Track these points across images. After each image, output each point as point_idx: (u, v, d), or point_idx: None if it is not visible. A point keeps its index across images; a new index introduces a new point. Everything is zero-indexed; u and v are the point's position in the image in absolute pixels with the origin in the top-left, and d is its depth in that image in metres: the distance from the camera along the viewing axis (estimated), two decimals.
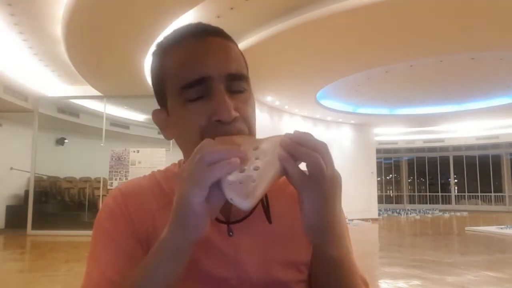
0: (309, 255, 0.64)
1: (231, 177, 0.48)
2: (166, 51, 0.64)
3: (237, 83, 0.62)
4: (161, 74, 0.65)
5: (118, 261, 0.59)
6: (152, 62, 0.67)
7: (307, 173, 0.50)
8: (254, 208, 0.62)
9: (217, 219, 0.62)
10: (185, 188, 0.49)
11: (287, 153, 0.50)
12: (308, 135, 0.51)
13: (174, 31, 0.65)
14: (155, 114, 0.68)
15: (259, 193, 0.47)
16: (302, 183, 0.50)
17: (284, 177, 0.62)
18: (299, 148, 0.50)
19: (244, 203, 0.46)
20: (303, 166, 0.51)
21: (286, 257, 0.64)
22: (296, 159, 0.50)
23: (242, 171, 0.48)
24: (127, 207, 0.64)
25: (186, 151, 0.63)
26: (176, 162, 0.73)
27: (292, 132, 0.52)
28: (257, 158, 0.50)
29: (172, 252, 0.52)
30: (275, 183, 0.50)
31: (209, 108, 0.59)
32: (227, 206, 0.61)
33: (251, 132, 0.62)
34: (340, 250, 0.55)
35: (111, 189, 9.91)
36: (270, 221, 0.63)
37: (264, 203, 0.64)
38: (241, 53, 0.67)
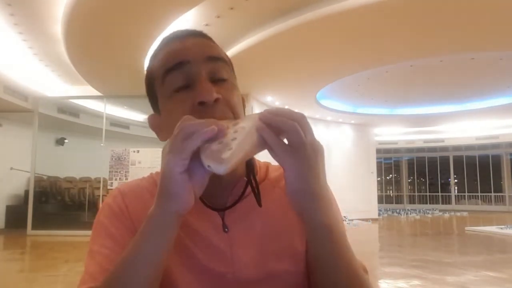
0: (304, 245, 0.64)
1: (209, 147, 0.50)
2: (153, 57, 0.69)
3: (218, 66, 0.64)
4: (150, 77, 0.69)
5: (115, 253, 0.60)
6: (146, 72, 0.71)
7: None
8: (243, 193, 0.65)
9: (211, 207, 0.63)
10: (166, 159, 0.51)
11: (264, 123, 0.51)
12: (285, 109, 0.52)
13: (162, 39, 0.69)
14: (150, 119, 0.71)
15: (235, 159, 0.48)
16: (282, 152, 0.51)
17: (274, 175, 0.60)
18: (276, 118, 0.51)
19: (219, 168, 0.48)
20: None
21: (281, 248, 0.65)
22: (274, 130, 0.51)
23: (220, 142, 0.50)
24: (126, 206, 0.66)
25: None
26: None
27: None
28: (235, 132, 0.52)
29: (159, 225, 0.53)
30: (254, 154, 0.52)
31: (192, 94, 0.61)
32: (222, 198, 0.64)
33: (236, 117, 0.63)
34: (328, 216, 0.55)
35: (111, 189, 9.91)
36: (260, 204, 0.64)
37: (254, 187, 0.65)
38: (224, 53, 0.69)
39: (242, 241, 0.64)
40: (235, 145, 0.49)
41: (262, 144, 0.51)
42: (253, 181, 0.66)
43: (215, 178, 0.54)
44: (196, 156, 0.50)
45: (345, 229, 0.68)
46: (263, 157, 0.67)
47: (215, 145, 0.50)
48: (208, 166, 0.49)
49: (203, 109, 0.60)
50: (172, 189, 0.51)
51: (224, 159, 0.48)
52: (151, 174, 0.72)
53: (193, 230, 0.64)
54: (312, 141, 0.52)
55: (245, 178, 0.66)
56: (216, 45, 0.68)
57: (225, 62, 0.66)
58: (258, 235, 0.65)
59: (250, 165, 0.66)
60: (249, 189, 0.66)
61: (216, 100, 0.60)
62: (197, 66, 0.62)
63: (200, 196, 0.60)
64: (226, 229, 0.64)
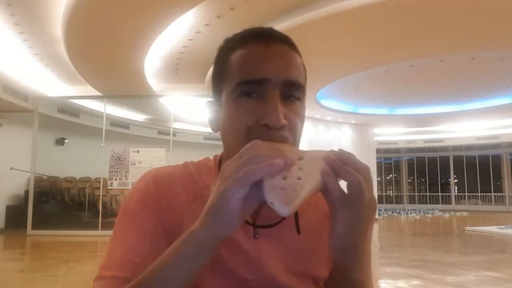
0: (327, 273, 0.65)
1: (273, 182, 0.48)
2: (232, 47, 0.65)
3: (292, 90, 0.62)
4: (223, 67, 0.66)
5: (142, 244, 0.60)
6: (217, 55, 0.68)
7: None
8: (283, 217, 0.63)
9: (247, 222, 0.63)
10: (226, 184, 0.49)
11: (330, 168, 0.50)
12: (352, 156, 0.51)
13: (243, 31, 0.67)
14: (209, 104, 0.69)
15: (298, 202, 0.47)
16: (340, 201, 0.50)
17: (318, 194, 0.62)
18: (342, 166, 0.49)
19: (284, 210, 0.47)
20: (343, 185, 0.51)
21: (307, 270, 0.65)
22: (338, 176, 0.50)
23: (285, 178, 0.49)
24: (158, 194, 0.64)
25: (228, 146, 0.64)
26: (211, 157, 0.73)
27: (337, 149, 0.53)
28: (300, 168, 0.51)
29: (200, 245, 0.52)
30: (314, 195, 0.50)
31: (259, 110, 0.59)
32: (257, 209, 0.62)
33: (295, 143, 0.62)
34: (365, 274, 0.56)
35: (111, 189, 9.92)
36: (299, 232, 0.63)
37: (295, 214, 0.64)
38: (303, 65, 0.68)
39: (270, 250, 0.64)
40: (299, 186, 0.48)
41: (323, 187, 0.50)
42: None
43: None
44: (254, 184, 0.49)
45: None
46: None
47: (279, 181, 0.49)
48: (271, 203, 0.48)
49: (265, 129, 0.59)
50: (225, 217, 0.49)
51: (289, 202, 0.47)
52: (186, 163, 0.71)
53: None
54: (371, 197, 0.51)
55: None
56: (297, 58, 0.66)
57: (302, 87, 0.64)
58: (287, 248, 0.65)
59: None
60: None
61: (282, 126, 0.59)
62: (275, 85, 0.60)
63: None
64: (256, 236, 0.63)
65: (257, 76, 0.60)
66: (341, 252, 0.53)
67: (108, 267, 0.59)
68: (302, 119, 0.65)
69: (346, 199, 0.50)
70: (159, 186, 0.65)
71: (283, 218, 0.63)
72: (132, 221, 0.62)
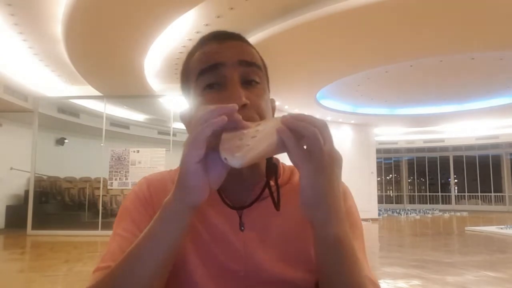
0: None
1: (229, 142, 0.51)
2: (192, 54, 0.71)
3: (250, 70, 0.66)
4: (186, 72, 0.71)
5: (135, 236, 0.62)
6: (182, 67, 0.74)
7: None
8: (261, 194, 0.65)
9: (228, 205, 0.64)
10: (184, 151, 0.52)
11: (286, 126, 0.51)
12: (308, 115, 0.53)
13: (201, 37, 0.72)
14: (182, 112, 0.72)
15: (251, 155, 0.49)
16: (299, 157, 0.51)
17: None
18: (297, 122, 0.51)
19: (236, 161, 0.49)
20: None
21: (296, 255, 0.65)
22: (295, 134, 0.51)
23: (241, 139, 0.51)
24: (150, 193, 0.69)
25: None
26: None
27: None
28: (256, 130, 0.53)
29: (173, 213, 0.55)
30: (272, 154, 0.52)
31: (222, 96, 0.63)
32: (242, 197, 0.65)
33: None
34: (339, 228, 0.54)
35: (111, 189, 9.93)
36: (277, 208, 0.63)
37: (271, 190, 0.65)
38: (260, 57, 0.71)
39: (257, 242, 0.65)
40: (254, 142, 0.50)
41: (281, 146, 0.51)
42: (274, 183, 0.66)
43: (236, 176, 0.55)
44: (216, 150, 0.52)
45: (364, 246, 0.69)
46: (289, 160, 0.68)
47: (235, 140, 0.51)
48: (225, 158, 0.50)
49: None
50: (187, 181, 0.52)
51: (241, 153, 0.49)
52: (178, 167, 0.74)
53: (212, 225, 0.65)
54: (331, 150, 0.52)
55: (265, 179, 0.66)
56: (252, 49, 0.70)
57: (259, 67, 0.68)
58: (274, 238, 0.65)
59: (271, 167, 0.66)
60: (273, 190, 0.66)
61: (244, 105, 0.61)
62: (231, 68, 0.64)
63: (220, 193, 0.63)
64: (243, 228, 0.65)
65: (212, 61, 0.65)
66: (310, 206, 0.53)
67: (104, 259, 0.63)
68: (266, 100, 0.67)
69: (305, 154, 0.51)
70: (152, 186, 0.71)
71: (260, 196, 0.65)
72: (127, 219, 0.67)
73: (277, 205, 0.64)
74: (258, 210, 0.65)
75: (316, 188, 0.52)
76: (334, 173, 0.53)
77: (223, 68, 0.64)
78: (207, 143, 0.51)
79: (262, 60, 0.71)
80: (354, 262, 0.56)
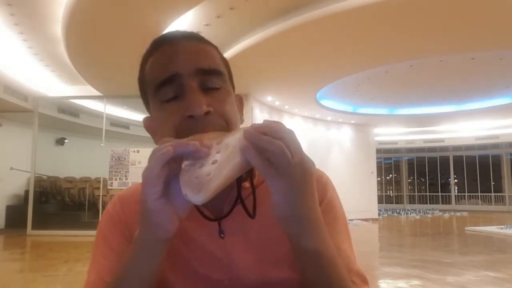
0: None
1: (188, 174, 0.48)
2: (146, 59, 0.66)
3: (210, 78, 0.61)
4: (142, 81, 0.67)
5: (112, 263, 0.62)
6: (138, 73, 0.69)
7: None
8: (236, 203, 0.62)
9: (206, 217, 0.62)
10: (142, 188, 0.50)
11: (250, 143, 0.47)
12: (273, 124, 0.48)
13: (153, 41, 0.66)
14: (145, 121, 0.69)
15: (214, 186, 0.46)
16: (267, 174, 0.48)
17: None
18: (261, 137, 0.47)
19: (196, 198, 0.46)
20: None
21: (279, 256, 0.63)
22: (260, 149, 0.47)
23: (201, 166, 0.48)
24: (123, 212, 0.67)
25: None
26: None
27: (260, 122, 0.50)
28: (218, 152, 0.49)
29: (144, 249, 0.54)
30: (238, 175, 0.49)
31: (182, 107, 0.59)
32: (217, 204, 0.62)
33: (231, 127, 0.61)
34: (316, 241, 0.53)
35: (111, 189, 9.92)
36: (252, 217, 0.61)
37: (242, 199, 0.63)
38: (220, 54, 0.67)
39: (238, 247, 0.63)
40: (214, 169, 0.46)
41: (247, 164, 0.48)
42: (250, 185, 0.64)
43: None
44: (176, 179, 0.49)
45: (350, 243, 0.68)
46: None
47: (195, 171, 0.47)
48: (185, 195, 0.47)
49: (192, 122, 0.58)
50: (152, 219, 0.50)
51: (202, 189, 0.46)
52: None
53: (189, 237, 0.63)
54: (301, 161, 0.48)
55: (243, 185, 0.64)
56: (209, 49, 0.65)
57: (219, 72, 0.63)
58: (256, 241, 0.64)
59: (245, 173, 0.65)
60: (249, 193, 0.64)
61: (207, 112, 0.58)
62: (188, 78, 0.60)
63: (196, 205, 0.59)
64: (222, 235, 0.63)
65: (168, 73, 0.60)
66: (285, 221, 0.51)
67: None
68: (231, 103, 0.63)
69: (273, 170, 0.47)
70: (125, 204, 0.68)
71: (235, 204, 0.62)
72: (103, 243, 0.66)
73: (251, 213, 0.61)
74: (236, 214, 0.62)
75: (289, 203, 0.50)
76: (306, 184, 0.50)
77: (179, 78, 0.60)
78: (165, 174, 0.48)
79: (222, 59, 0.67)
80: (334, 271, 0.55)
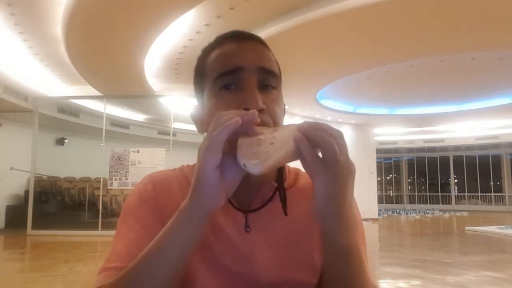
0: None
1: (247, 148, 0.51)
2: (209, 51, 0.70)
3: (268, 78, 0.65)
4: (202, 70, 0.70)
5: (141, 238, 0.62)
6: (196, 64, 0.72)
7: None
8: (271, 198, 0.65)
9: (235, 207, 0.64)
10: (200, 157, 0.51)
11: (303, 135, 0.51)
12: (324, 124, 0.52)
13: (218, 36, 0.71)
14: (193, 109, 0.72)
15: (271, 162, 0.49)
16: (315, 166, 0.51)
17: (307, 181, 0.60)
18: (314, 131, 0.51)
19: (255, 168, 0.49)
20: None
21: (300, 258, 0.65)
22: (311, 143, 0.51)
23: (258, 145, 0.51)
24: (155, 193, 0.68)
25: None
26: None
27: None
28: (273, 137, 0.53)
29: (188, 220, 0.54)
30: (288, 162, 0.52)
31: (238, 98, 0.62)
32: (248, 198, 0.65)
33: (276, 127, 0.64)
34: (349, 239, 0.55)
35: (111, 189, 9.93)
36: (286, 213, 0.64)
37: (282, 196, 0.65)
38: (277, 62, 0.71)
39: (262, 243, 0.65)
40: (272, 149, 0.50)
41: (297, 154, 0.51)
42: (280, 187, 0.66)
43: (244, 178, 0.54)
44: (232, 155, 0.51)
45: (366, 250, 0.69)
46: (294, 163, 0.68)
47: (253, 146, 0.51)
48: (244, 165, 0.50)
49: None
50: (205, 187, 0.52)
51: (260, 160, 0.49)
52: (182, 166, 0.74)
53: (217, 226, 0.65)
54: (346, 160, 0.52)
55: (274, 183, 0.66)
56: (270, 54, 0.69)
57: (276, 74, 0.67)
58: (279, 240, 0.65)
59: (280, 171, 0.67)
60: (276, 193, 0.66)
61: (261, 110, 0.61)
62: (249, 73, 0.63)
63: None
64: (248, 229, 0.65)
65: (232, 65, 0.64)
66: (323, 216, 0.54)
67: (110, 259, 0.62)
68: (280, 106, 0.67)
69: (321, 163, 0.51)
70: (157, 186, 0.69)
71: (269, 200, 0.65)
72: (132, 218, 0.66)
73: (285, 210, 0.64)
74: (263, 211, 0.65)
75: (331, 198, 0.52)
76: (348, 183, 0.52)
77: (242, 72, 0.63)
78: (223, 148, 0.50)
79: (278, 65, 0.71)
80: (361, 272, 0.58)
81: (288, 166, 0.74)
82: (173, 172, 0.73)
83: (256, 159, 0.49)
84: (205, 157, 0.50)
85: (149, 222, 0.65)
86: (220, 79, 0.64)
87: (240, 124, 0.50)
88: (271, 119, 0.63)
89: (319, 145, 0.51)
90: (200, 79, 0.70)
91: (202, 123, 0.69)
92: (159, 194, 0.68)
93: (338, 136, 0.52)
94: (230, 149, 0.52)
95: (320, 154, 0.51)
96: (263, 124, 0.59)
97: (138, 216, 0.66)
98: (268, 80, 0.65)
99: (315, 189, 0.53)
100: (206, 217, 0.54)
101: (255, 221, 0.65)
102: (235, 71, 0.63)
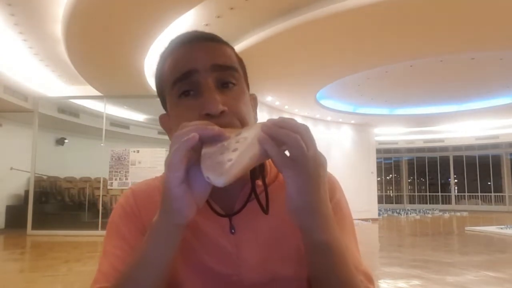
0: None
1: (210, 159, 0.50)
2: (164, 59, 0.68)
3: (224, 74, 0.63)
4: (160, 80, 0.69)
5: (126, 253, 0.63)
6: (155, 71, 0.71)
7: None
8: (249, 199, 0.64)
9: (217, 213, 0.63)
10: (165, 174, 0.51)
11: (267, 135, 0.50)
12: (289, 119, 0.51)
13: (171, 41, 0.68)
14: (161, 118, 0.71)
15: (234, 171, 0.48)
16: (283, 164, 0.51)
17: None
18: (278, 130, 0.50)
19: (218, 180, 0.48)
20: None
21: (288, 253, 0.64)
22: (277, 141, 0.50)
23: (222, 152, 0.50)
24: (137, 205, 0.68)
25: None
26: None
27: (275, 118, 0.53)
28: (237, 142, 0.52)
29: (161, 235, 0.55)
30: (255, 165, 0.51)
31: (198, 103, 0.61)
32: (230, 200, 0.64)
33: (244, 126, 0.62)
34: (327, 234, 0.54)
35: (111, 189, 9.93)
36: (266, 212, 0.63)
37: (257, 194, 0.64)
38: (236, 54, 0.69)
39: (248, 243, 0.64)
40: (235, 156, 0.49)
41: (264, 155, 0.50)
42: (262, 183, 0.65)
43: None
44: (198, 164, 0.51)
45: (357, 244, 0.69)
46: None
47: (216, 155, 0.50)
48: (207, 177, 0.49)
49: (209, 120, 0.59)
50: (172, 202, 0.51)
51: (224, 172, 0.47)
52: (164, 174, 0.73)
53: (200, 231, 0.64)
54: (315, 155, 0.51)
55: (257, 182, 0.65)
56: (225, 49, 0.67)
57: (234, 69, 0.65)
58: (265, 238, 0.65)
59: (258, 168, 0.65)
60: (261, 190, 0.65)
61: (222, 112, 0.60)
62: (204, 74, 0.62)
63: (208, 200, 0.61)
64: (233, 231, 0.64)
65: (184, 69, 0.62)
66: (298, 214, 0.53)
67: (97, 280, 0.62)
68: (245, 102, 0.65)
69: (289, 161, 0.50)
70: (138, 197, 0.69)
71: (248, 201, 0.64)
72: (116, 235, 0.66)
73: (265, 209, 0.63)
74: (247, 211, 0.64)
75: (303, 195, 0.52)
76: (320, 178, 0.52)
77: (196, 74, 0.62)
78: (187, 160, 0.50)
79: (238, 58, 0.69)
80: (344, 267, 0.57)
81: (270, 161, 0.73)
82: (154, 182, 0.72)
83: (219, 170, 0.48)
84: (168, 175, 0.50)
85: (132, 236, 0.65)
86: (176, 85, 0.63)
87: (198, 139, 0.50)
88: (236, 119, 0.61)
89: (285, 143, 0.50)
90: (160, 90, 0.69)
91: (172, 132, 0.68)
92: (141, 206, 0.68)
93: (303, 131, 0.51)
94: (197, 158, 0.51)
95: (287, 152, 0.51)
96: (227, 126, 0.58)
97: (121, 232, 0.66)
98: (226, 77, 0.63)
99: (287, 187, 0.52)
100: (177, 230, 0.54)
101: (239, 222, 0.65)
102: (188, 75, 0.62)
